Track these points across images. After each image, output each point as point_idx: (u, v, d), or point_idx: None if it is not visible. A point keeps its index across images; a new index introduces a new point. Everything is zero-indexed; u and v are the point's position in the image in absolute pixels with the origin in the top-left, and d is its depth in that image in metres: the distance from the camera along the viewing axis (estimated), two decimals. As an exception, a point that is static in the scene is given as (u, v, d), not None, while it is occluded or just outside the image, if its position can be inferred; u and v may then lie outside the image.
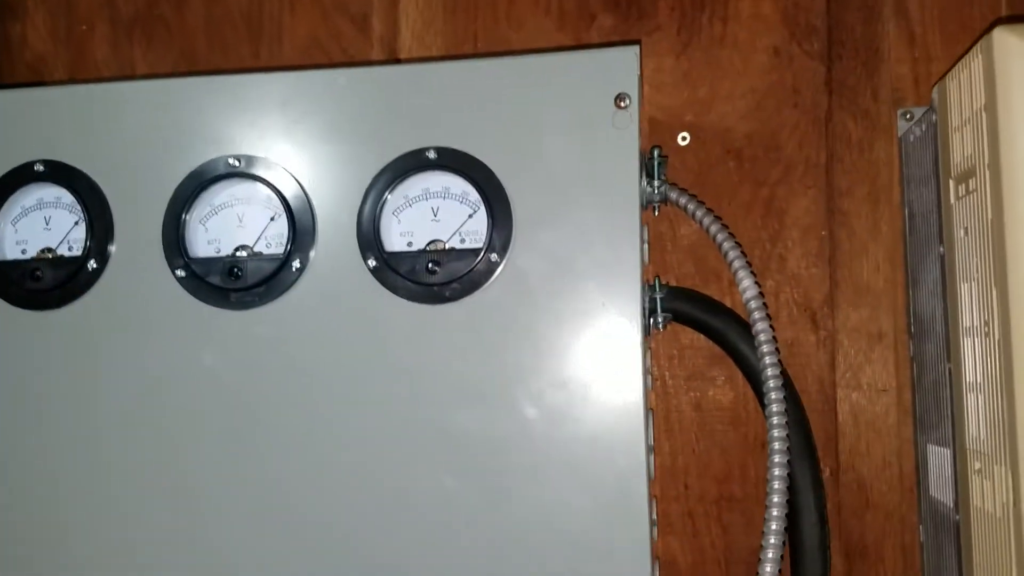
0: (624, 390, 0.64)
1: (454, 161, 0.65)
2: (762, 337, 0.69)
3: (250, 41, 0.88)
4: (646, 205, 0.75)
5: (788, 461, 0.67)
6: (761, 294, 0.70)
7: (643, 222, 0.78)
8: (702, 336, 0.79)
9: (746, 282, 0.71)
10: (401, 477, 0.65)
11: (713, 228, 0.73)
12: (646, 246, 0.79)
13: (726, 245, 0.72)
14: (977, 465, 0.62)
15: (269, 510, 0.65)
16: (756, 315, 0.70)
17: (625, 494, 0.63)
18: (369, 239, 0.65)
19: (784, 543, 0.67)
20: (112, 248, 0.67)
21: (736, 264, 0.71)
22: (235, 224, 0.67)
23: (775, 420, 0.67)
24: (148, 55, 0.89)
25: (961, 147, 0.61)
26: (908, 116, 0.78)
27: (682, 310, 0.76)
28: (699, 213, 0.74)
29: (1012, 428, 0.55)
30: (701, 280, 0.82)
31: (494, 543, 0.64)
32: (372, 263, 0.65)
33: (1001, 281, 0.55)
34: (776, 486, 0.67)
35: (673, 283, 0.81)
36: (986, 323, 0.58)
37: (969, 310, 0.61)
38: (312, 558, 0.65)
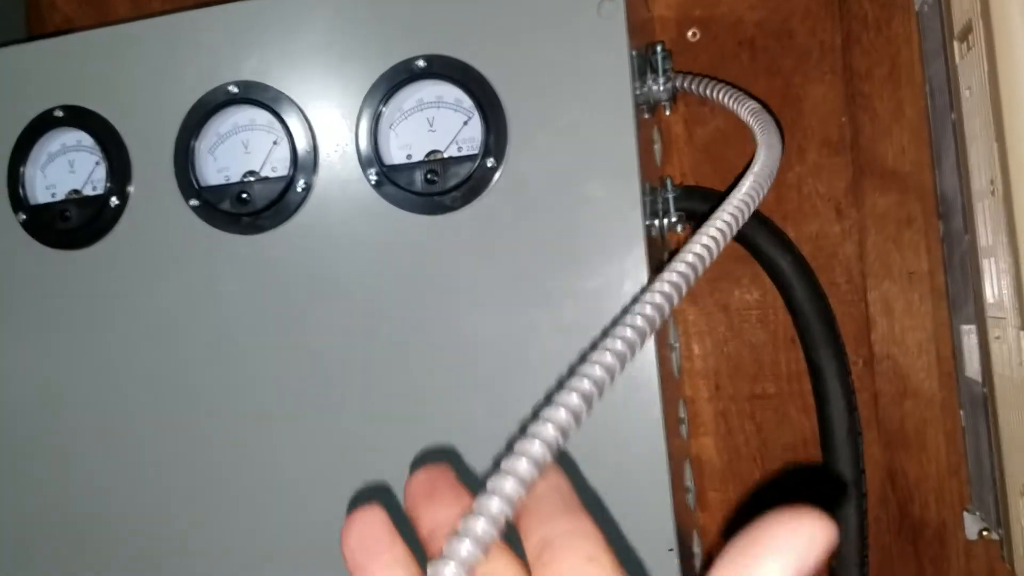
0: (631, 287, 0.64)
1: (444, 68, 0.65)
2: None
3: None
4: (656, 104, 0.74)
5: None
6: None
7: (655, 122, 0.78)
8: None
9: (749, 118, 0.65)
10: (415, 386, 0.66)
11: (719, 92, 0.70)
12: (658, 147, 0.79)
13: (736, 103, 0.68)
14: (996, 332, 0.59)
15: (292, 428, 0.68)
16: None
17: (637, 390, 0.63)
18: (369, 154, 0.66)
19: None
20: (131, 184, 0.70)
21: (745, 112, 0.67)
22: (241, 151, 0.69)
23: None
24: (165, 6, 0.92)
25: (959, 2, 0.58)
26: (923, -13, 0.75)
27: (696, 208, 0.75)
28: (707, 86, 0.71)
29: (1019, 286, 0.53)
30: (720, 180, 0.80)
31: (503, 441, 0.65)
32: (373, 178, 0.66)
33: (1000, 134, 0.53)
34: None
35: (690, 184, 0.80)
36: (991, 181, 0.55)
37: (977, 171, 0.59)
38: (329, 470, 0.67)
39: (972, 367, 0.69)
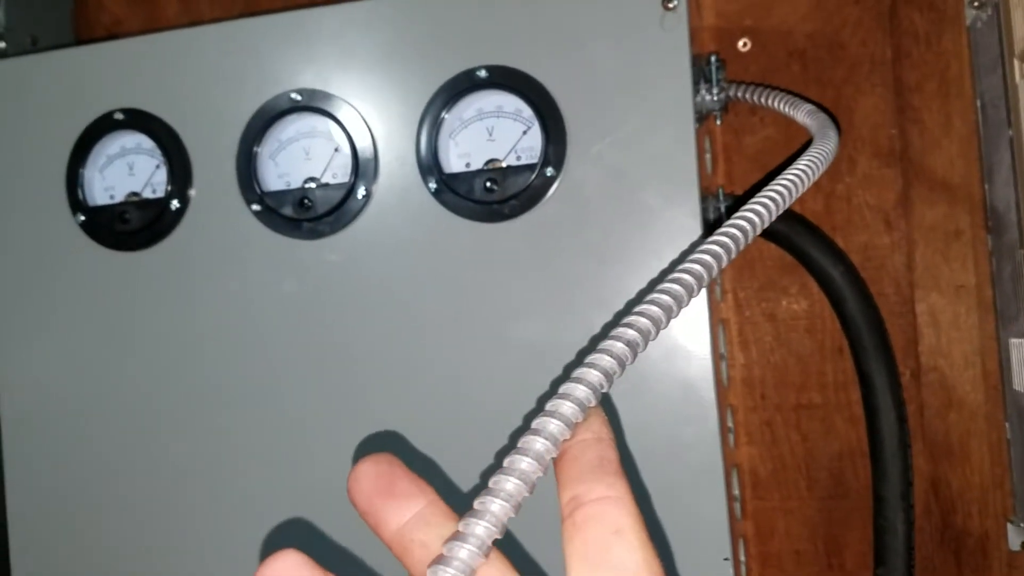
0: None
1: (505, 78, 0.66)
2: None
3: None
4: (707, 114, 0.75)
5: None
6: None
7: (705, 132, 0.78)
8: (772, 246, 0.78)
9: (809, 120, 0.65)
10: (469, 394, 0.67)
11: (772, 98, 0.70)
12: (709, 156, 0.79)
13: (789, 106, 0.68)
14: (1055, 348, 0.60)
15: (353, 423, 0.69)
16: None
17: (694, 401, 0.64)
18: (429, 162, 0.67)
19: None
20: (192, 188, 0.71)
21: (800, 112, 0.67)
22: (302, 157, 0.70)
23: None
24: (214, 8, 0.92)
25: (1022, 23, 0.59)
26: (976, 3, 0.75)
27: (748, 218, 0.75)
28: (761, 94, 0.71)
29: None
30: (768, 189, 0.81)
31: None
32: (433, 186, 0.67)
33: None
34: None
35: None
36: (1056, 198, 0.56)
37: (1038, 188, 0.59)
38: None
39: (1020, 380, 0.70)
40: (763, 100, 0.72)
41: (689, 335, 0.64)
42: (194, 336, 0.71)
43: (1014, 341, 0.71)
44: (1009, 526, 0.74)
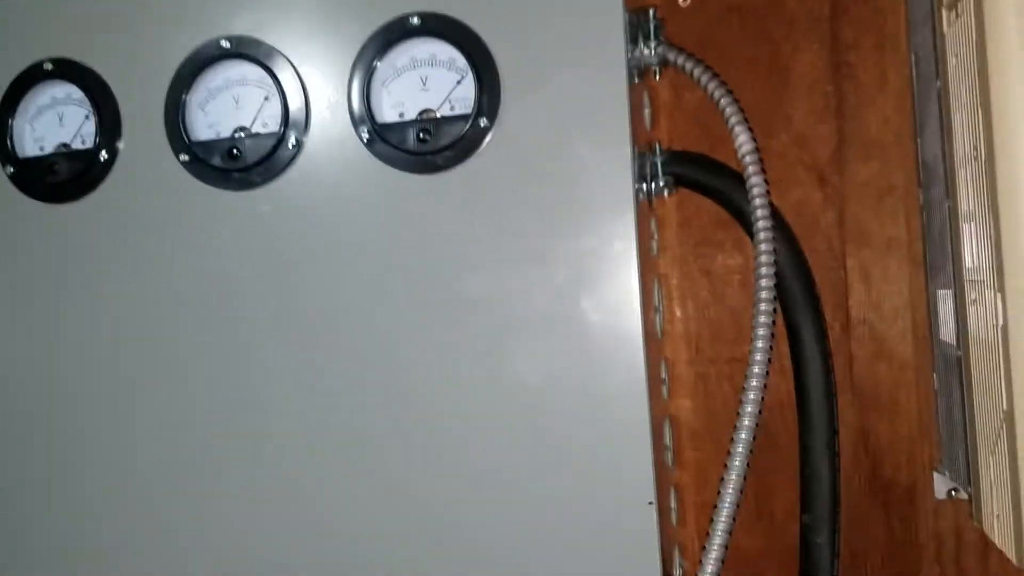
0: (621, 247, 0.65)
1: (438, 26, 0.66)
2: (755, 191, 0.69)
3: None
4: (645, 69, 0.75)
5: (773, 309, 0.67)
6: (756, 149, 0.70)
7: (644, 87, 0.78)
8: (709, 202, 0.79)
9: (742, 136, 0.70)
10: (404, 342, 0.67)
11: (709, 83, 0.72)
12: (647, 111, 0.79)
13: (723, 100, 0.72)
14: (973, 295, 0.61)
15: (285, 373, 0.69)
16: (750, 169, 0.69)
17: (621, 348, 0.65)
18: (361, 112, 0.67)
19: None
20: (121, 139, 0.70)
21: (732, 119, 0.71)
22: (232, 106, 0.69)
23: (763, 271, 0.67)
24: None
25: (949, -30, 0.60)
26: (910, -43, 0.75)
27: (683, 173, 0.76)
28: (696, 70, 0.73)
29: (999, 249, 0.54)
30: (708, 146, 0.81)
31: (496, 397, 0.66)
32: (365, 136, 0.67)
33: (984, 101, 0.54)
34: (761, 332, 0.67)
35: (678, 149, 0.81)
36: (975, 147, 0.57)
37: (961, 138, 0.60)
38: (318, 421, 0.68)
39: (947, 331, 0.71)
40: (693, 74, 0.73)
41: (619, 288, 0.64)
42: (124, 288, 0.70)
43: (941, 292, 0.72)
44: (935, 475, 0.76)
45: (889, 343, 0.78)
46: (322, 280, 0.68)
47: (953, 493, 0.74)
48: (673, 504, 0.78)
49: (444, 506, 0.67)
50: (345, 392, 0.68)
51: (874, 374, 0.79)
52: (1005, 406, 0.56)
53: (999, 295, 0.55)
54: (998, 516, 0.61)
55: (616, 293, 0.64)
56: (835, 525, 0.71)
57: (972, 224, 0.59)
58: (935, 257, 0.74)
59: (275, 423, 0.69)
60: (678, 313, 0.82)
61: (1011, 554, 0.59)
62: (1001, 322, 0.56)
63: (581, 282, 0.65)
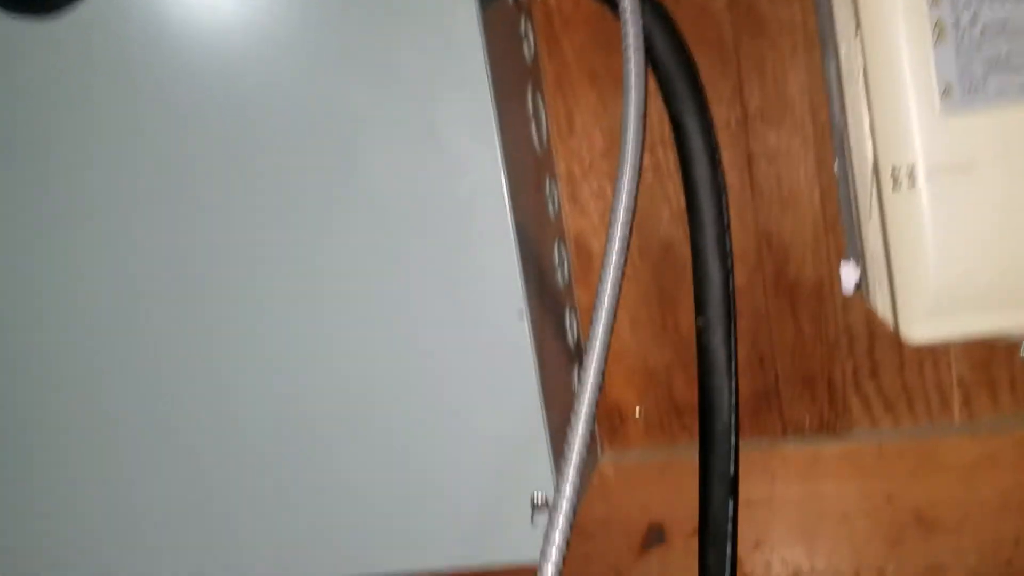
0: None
1: None
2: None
3: None
4: None
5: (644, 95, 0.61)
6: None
7: None
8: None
9: None
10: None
11: None
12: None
13: None
14: (843, 49, 0.56)
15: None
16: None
17: (480, 159, 0.60)
18: None
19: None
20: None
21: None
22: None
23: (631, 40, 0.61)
24: None
25: None
26: None
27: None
28: None
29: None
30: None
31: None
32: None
33: None
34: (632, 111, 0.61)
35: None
36: None
37: None
38: (170, 291, 0.64)
39: (836, 108, 0.66)
40: None
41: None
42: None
43: (832, 70, 0.67)
44: (843, 264, 0.71)
45: (786, 133, 0.73)
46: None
47: (861, 286, 0.70)
48: (571, 322, 0.74)
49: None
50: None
51: (774, 169, 0.74)
52: (870, 156, 0.52)
53: (858, 40, 0.50)
54: (879, 285, 0.57)
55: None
56: (730, 326, 0.67)
57: None
58: (827, 34, 0.68)
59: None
60: (578, 124, 0.77)
61: (888, 322, 0.56)
62: (862, 65, 0.51)
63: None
